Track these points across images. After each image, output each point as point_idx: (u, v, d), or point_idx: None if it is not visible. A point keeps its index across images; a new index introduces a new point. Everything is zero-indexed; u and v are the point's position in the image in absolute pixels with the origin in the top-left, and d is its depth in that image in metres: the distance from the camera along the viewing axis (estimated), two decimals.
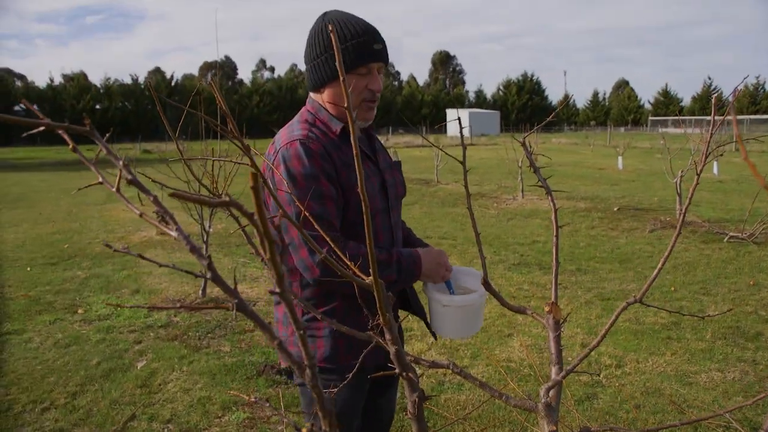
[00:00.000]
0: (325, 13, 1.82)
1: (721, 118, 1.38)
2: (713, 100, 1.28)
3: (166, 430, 3.22)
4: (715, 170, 15.20)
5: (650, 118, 69.25)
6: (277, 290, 0.48)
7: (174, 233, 0.54)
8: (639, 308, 5.09)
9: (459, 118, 1.80)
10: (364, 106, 1.82)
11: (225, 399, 3.54)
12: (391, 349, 0.93)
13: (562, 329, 1.60)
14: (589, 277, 6.04)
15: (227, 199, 0.43)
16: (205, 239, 5.64)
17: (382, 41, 1.80)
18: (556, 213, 1.66)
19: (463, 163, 1.66)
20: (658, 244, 7.48)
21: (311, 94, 1.89)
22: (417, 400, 0.95)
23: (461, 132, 1.60)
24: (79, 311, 5.23)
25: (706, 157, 1.36)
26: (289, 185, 1.65)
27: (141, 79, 60.92)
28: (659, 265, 1.66)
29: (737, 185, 13.59)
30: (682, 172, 8.77)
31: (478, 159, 23.21)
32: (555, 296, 1.62)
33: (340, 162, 1.75)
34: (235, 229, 8.20)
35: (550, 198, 1.66)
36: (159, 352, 4.25)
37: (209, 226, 5.56)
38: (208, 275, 0.54)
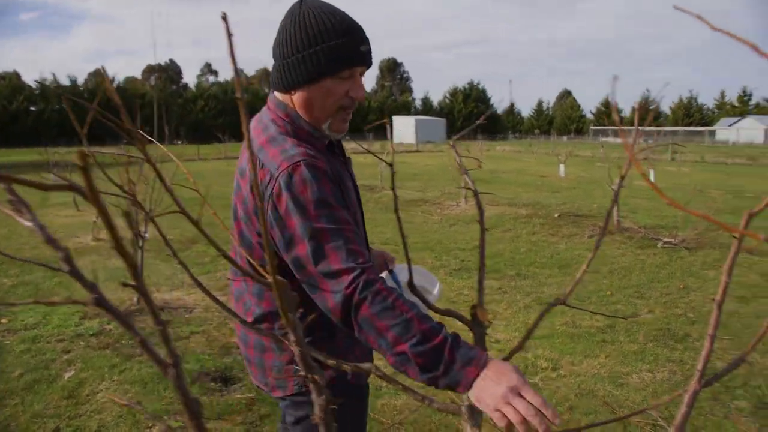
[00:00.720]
0: (302, 1, 1.53)
1: (652, 128, 1.40)
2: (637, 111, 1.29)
3: None
4: (651, 178, 15.67)
5: (592, 127, 71.26)
6: (132, 284, 0.44)
7: (28, 223, 0.50)
8: (576, 313, 5.18)
9: (389, 125, 1.79)
10: (341, 115, 1.58)
11: (156, 408, 3.42)
12: (296, 351, 0.89)
13: (487, 331, 1.60)
14: (528, 282, 6.12)
15: (68, 184, 0.40)
16: (140, 244, 5.48)
17: (368, 42, 1.56)
18: (483, 216, 1.66)
19: (391, 166, 1.63)
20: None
21: (278, 95, 1.61)
22: (324, 404, 0.92)
23: (391, 138, 1.58)
24: (3, 321, 5.00)
25: (629, 166, 1.38)
26: (297, 218, 1.37)
27: (80, 81, 59.12)
28: (583, 267, 1.68)
29: (672, 193, 14.03)
30: (618, 180, 9.01)
31: (423, 166, 23.36)
32: (480, 299, 1.62)
33: (335, 177, 1.52)
34: (174, 234, 7.91)
35: (476, 201, 1.66)
36: (88, 362, 4.09)
37: (145, 231, 5.40)
38: (66, 269, 0.50)
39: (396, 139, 51.27)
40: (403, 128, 52.66)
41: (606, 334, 4.67)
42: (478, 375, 1.22)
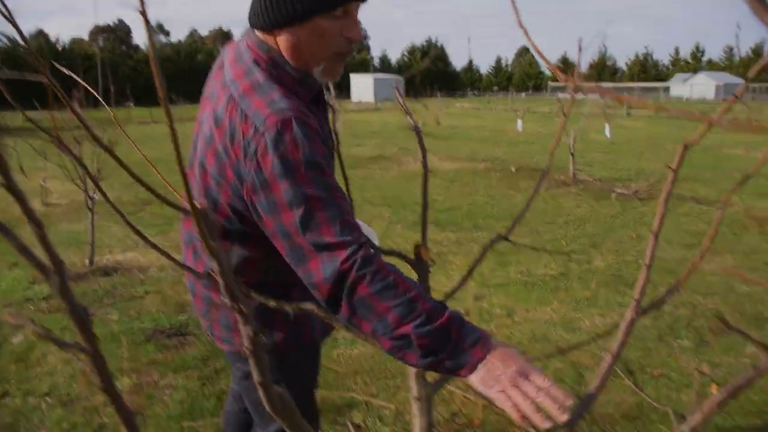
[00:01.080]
0: None
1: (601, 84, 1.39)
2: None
3: (43, 403, 3.04)
4: (607, 133, 15.89)
5: (550, 83, 71.67)
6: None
7: None
8: (531, 261, 5.27)
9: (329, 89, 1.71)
10: (336, 60, 1.38)
11: (110, 367, 3.38)
12: (221, 281, 0.86)
13: (430, 270, 1.60)
14: (485, 234, 6.19)
15: None
16: (90, 206, 5.34)
17: None
18: (425, 156, 1.64)
19: (334, 124, 1.61)
20: (552, 202, 7.75)
21: (259, 34, 1.36)
22: (251, 334, 0.89)
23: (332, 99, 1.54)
24: None
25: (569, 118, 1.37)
26: (285, 182, 1.20)
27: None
28: (527, 204, 1.68)
29: (627, 146, 14.28)
30: (574, 133, 9.14)
31: (382, 123, 23.23)
32: (423, 238, 1.62)
33: (324, 138, 1.34)
34: (129, 196, 7.75)
35: (419, 141, 1.64)
36: (39, 326, 3.99)
37: (93, 193, 5.25)
38: None
39: (354, 98, 50.79)
40: (362, 87, 52.12)
41: (559, 282, 4.77)
42: (484, 357, 1.12)
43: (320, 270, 1.18)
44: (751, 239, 6.16)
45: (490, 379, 1.11)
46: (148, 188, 0.68)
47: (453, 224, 6.53)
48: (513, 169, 10.14)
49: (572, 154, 9.19)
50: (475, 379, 1.13)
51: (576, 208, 7.44)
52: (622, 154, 12.53)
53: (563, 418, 1.07)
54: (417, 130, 1.63)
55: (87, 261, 5.32)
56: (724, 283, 4.82)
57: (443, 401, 2.92)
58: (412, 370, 1.41)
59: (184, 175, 0.59)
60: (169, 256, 0.93)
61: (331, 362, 3.26)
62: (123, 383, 3.17)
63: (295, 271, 1.24)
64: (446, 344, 1.12)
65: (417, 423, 1.39)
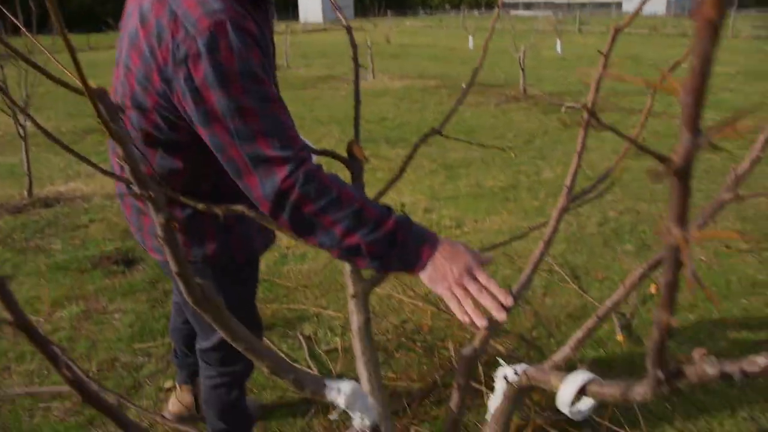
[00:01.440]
0: None
1: None
2: None
3: None
4: (558, 49, 15.85)
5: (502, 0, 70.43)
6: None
7: None
8: (481, 174, 5.30)
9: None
10: None
11: (56, 296, 3.31)
12: (127, 167, 0.81)
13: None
14: (434, 149, 6.17)
15: None
16: (22, 134, 5.09)
17: None
18: (356, 50, 1.58)
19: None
20: (502, 117, 7.75)
21: None
22: (163, 222, 0.85)
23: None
24: None
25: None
26: (218, 92, 1.11)
27: None
28: (459, 98, 1.64)
29: (577, 62, 14.27)
30: (524, 48, 9.07)
31: (331, 43, 22.65)
32: (356, 136, 1.57)
33: (264, 45, 1.23)
34: (68, 126, 7.44)
35: (349, 37, 1.57)
36: None
37: (25, 121, 5.00)
38: None
39: (301, 18, 49.27)
40: (309, 6, 50.44)
41: (509, 193, 4.82)
42: (431, 256, 1.14)
43: (258, 186, 1.13)
44: None
45: (438, 277, 1.13)
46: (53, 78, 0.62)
47: (403, 141, 6.49)
48: (463, 86, 10.05)
49: (522, 70, 9.15)
50: (424, 276, 1.15)
51: (526, 122, 7.47)
52: (572, 70, 12.53)
53: (502, 316, 1.10)
54: (353, 43, 1.56)
55: (25, 193, 5.13)
56: (667, 190, 4.94)
57: (393, 310, 2.97)
58: (347, 269, 1.40)
59: (76, 61, 0.53)
60: (89, 162, 0.88)
61: (281, 277, 3.25)
62: (71, 311, 3.11)
63: (237, 183, 1.18)
64: (393, 248, 1.13)
65: (354, 320, 1.39)
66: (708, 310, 3.04)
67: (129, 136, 0.75)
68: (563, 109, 8.06)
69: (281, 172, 1.11)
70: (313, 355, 2.58)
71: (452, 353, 2.61)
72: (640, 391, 0.68)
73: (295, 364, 1.16)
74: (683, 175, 0.35)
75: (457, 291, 1.13)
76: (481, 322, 1.12)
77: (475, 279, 1.14)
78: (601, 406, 2.28)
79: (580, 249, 3.76)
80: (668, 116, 7.53)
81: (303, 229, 1.13)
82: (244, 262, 1.60)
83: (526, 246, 3.75)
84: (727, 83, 10.17)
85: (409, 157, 1.54)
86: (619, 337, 2.75)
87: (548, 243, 1.32)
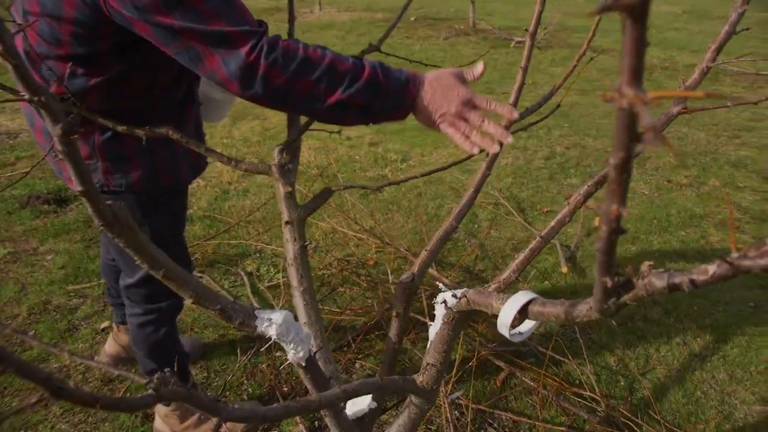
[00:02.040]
0: None
1: None
2: None
3: None
4: None
5: None
6: None
7: None
8: None
9: None
10: None
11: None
12: (9, 66, 0.70)
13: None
14: None
15: None
16: None
17: None
18: None
19: None
20: (450, 50, 7.62)
21: None
22: (60, 133, 0.75)
23: None
24: None
25: None
26: None
27: None
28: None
29: None
30: None
31: None
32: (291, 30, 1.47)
33: None
34: None
35: None
36: None
37: None
38: None
39: None
40: None
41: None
42: (417, 93, 1.10)
43: (222, 66, 1.05)
44: None
45: (436, 115, 1.11)
46: None
47: None
48: (412, 19, 9.83)
49: (472, 3, 8.98)
50: (420, 119, 1.13)
51: (474, 57, 7.34)
52: (523, 5, 12.38)
53: (509, 139, 1.11)
54: None
55: None
56: (613, 126, 4.97)
57: (337, 244, 2.91)
58: (281, 195, 1.32)
59: None
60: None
61: (223, 213, 3.14)
62: None
63: (197, 73, 1.10)
64: (378, 93, 1.07)
65: (290, 248, 1.32)
66: (648, 242, 3.09)
67: (7, 30, 0.64)
68: (512, 45, 7.97)
69: (244, 47, 1.03)
70: (256, 292, 2.51)
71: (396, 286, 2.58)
72: (584, 308, 0.64)
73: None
74: (639, 12, 0.28)
75: (460, 124, 1.11)
76: (494, 148, 1.11)
77: (474, 107, 1.11)
78: (544, 337, 2.30)
79: (526, 183, 3.76)
80: (616, 53, 7.56)
81: (279, 100, 1.08)
82: (172, 191, 1.49)
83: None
84: (672, 22, 10.22)
85: None
86: (564, 269, 2.77)
87: (490, 165, 1.27)
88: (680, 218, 3.34)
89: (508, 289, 0.99)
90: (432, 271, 2.50)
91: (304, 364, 1.00)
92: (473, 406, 1.89)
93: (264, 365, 2.08)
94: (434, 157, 4.12)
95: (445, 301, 0.91)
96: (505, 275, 0.99)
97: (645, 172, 3.96)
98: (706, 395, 2.09)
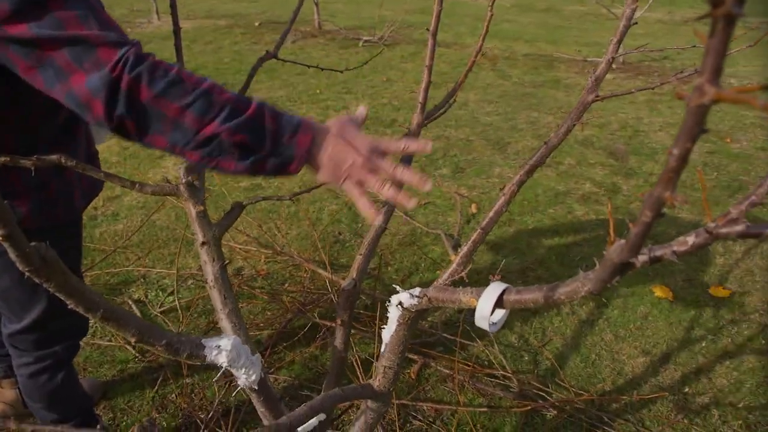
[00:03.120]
0: None
1: None
2: None
3: None
4: None
5: None
6: None
7: None
8: (289, 113, 5.16)
9: None
10: None
11: None
12: None
13: None
14: (237, 89, 5.89)
15: None
16: None
17: None
18: None
19: None
20: (300, 54, 7.59)
21: None
22: None
23: None
24: None
25: None
26: None
27: None
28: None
29: None
30: None
31: None
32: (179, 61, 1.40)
33: None
34: None
35: None
36: None
37: None
38: None
39: None
40: None
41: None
42: (314, 141, 0.90)
43: (83, 84, 0.85)
44: (487, 76, 6.68)
45: (341, 169, 0.91)
46: None
47: None
48: (256, 24, 9.68)
49: (316, 5, 9.00)
50: (323, 174, 0.93)
51: (325, 58, 7.39)
52: (363, 4, 12.61)
53: (428, 186, 0.94)
54: None
55: None
56: (470, 115, 5.21)
57: (225, 259, 2.80)
58: (193, 215, 1.25)
59: None
60: None
61: (95, 241, 2.91)
62: None
63: (59, 99, 0.90)
64: (264, 136, 0.88)
65: (209, 270, 1.25)
66: (524, 222, 3.27)
67: None
68: (361, 44, 8.09)
69: (110, 58, 0.85)
70: (149, 319, 2.35)
71: (297, 294, 2.54)
72: (567, 290, 0.66)
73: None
74: (731, 18, 0.30)
75: (368, 180, 0.92)
76: (411, 203, 0.94)
77: (383, 153, 0.93)
78: (447, 325, 2.37)
79: None
80: (460, 47, 7.92)
81: (147, 125, 0.87)
82: (66, 223, 1.36)
83: None
84: (504, 14, 10.88)
85: (248, 82, 1.40)
86: (452, 257, 2.86)
87: (408, 162, 1.28)
88: (546, 197, 3.57)
89: (457, 283, 1.01)
90: (326, 273, 2.49)
91: (257, 387, 0.96)
92: (395, 401, 1.91)
93: (173, 395, 1.96)
94: None
95: (401, 303, 0.91)
96: (450, 269, 1.01)
97: (507, 157, 4.19)
98: (600, 356, 2.25)
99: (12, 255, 0.74)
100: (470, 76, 6.62)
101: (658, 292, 2.62)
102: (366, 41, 8.15)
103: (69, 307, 0.80)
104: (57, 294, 0.78)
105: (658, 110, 5.33)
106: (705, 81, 0.33)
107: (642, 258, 0.57)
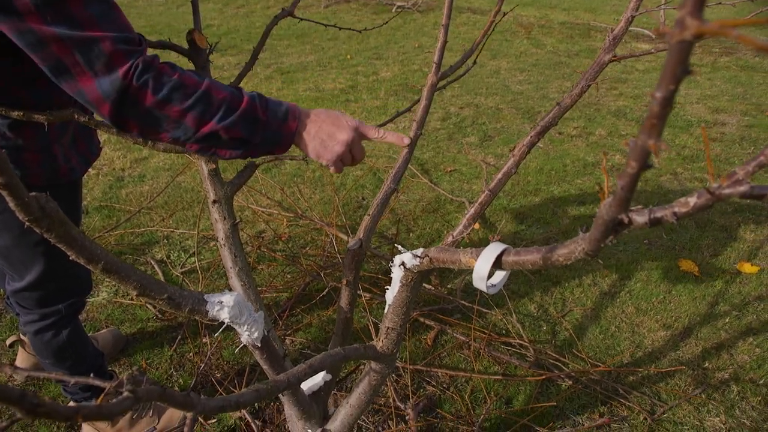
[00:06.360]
0: None
1: None
2: None
3: None
4: None
5: None
6: None
7: None
8: (319, 77, 5.14)
9: None
10: None
11: None
12: None
13: (210, 57, 1.40)
14: (267, 54, 5.87)
15: None
16: None
17: None
18: None
19: None
20: (333, 18, 7.52)
21: None
22: None
23: None
24: None
25: None
26: None
27: None
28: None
29: None
30: None
31: None
32: (196, 23, 1.39)
33: None
34: None
35: None
36: None
37: None
38: None
39: None
40: None
41: (349, 95, 4.73)
42: (298, 127, 1.05)
43: (94, 85, 0.92)
44: (520, 44, 6.55)
45: (321, 147, 1.07)
46: None
47: (233, 47, 6.09)
48: None
49: None
50: (309, 152, 1.07)
51: (357, 23, 7.31)
52: None
53: (406, 140, 1.16)
54: None
55: None
56: (501, 83, 5.12)
57: (248, 222, 2.82)
58: (204, 173, 1.25)
59: None
60: None
61: (121, 202, 2.95)
62: None
63: (63, 88, 0.95)
64: (256, 127, 1.01)
65: (220, 228, 1.26)
66: (550, 192, 3.22)
67: None
68: (394, 9, 7.97)
69: (121, 66, 0.92)
70: (170, 279, 2.39)
71: (316, 258, 2.55)
72: (565, 252, 0.64)
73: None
74: None
75: (346, 159, 1.10)
76: (404, 141, 1.16)
77: (363, 137, 1.10)
78: (466, 293, 2.36)
79: (426, 145, 3.80)
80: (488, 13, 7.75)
81: (150, 126, 0.98)
82: (67, 186, 1.36)
83: (369, 145, 3.72)
84: None
85: (261, 43, 1.38)
86: (476, 225, 2.83)
87: (421, 123, 1.26)
88: (575, 168, 3.50)
89: (461, 244, 0.99)
90: (347, 238, 2.49)
91: (259, 345, 0.96)
92: (410, 367, 1.91)
93: (191, 354, 1.99)
94: None
95: (403, 263, 0.90)
96: (457, 231, 0.99)
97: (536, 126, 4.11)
98: (619, 329, 2.22)
99: (11, 204, 0.74)
100: (503, 44, 6.50)
101: (684, 266, 2.56)
102: (399, 7, 8.04)
103: (70, 258, 0.80)
104: (58, 245, 0.78)
105: (696, 82, 5.17)
106: (686, 14, 0.30)
107: (640, 218, 0.55)
